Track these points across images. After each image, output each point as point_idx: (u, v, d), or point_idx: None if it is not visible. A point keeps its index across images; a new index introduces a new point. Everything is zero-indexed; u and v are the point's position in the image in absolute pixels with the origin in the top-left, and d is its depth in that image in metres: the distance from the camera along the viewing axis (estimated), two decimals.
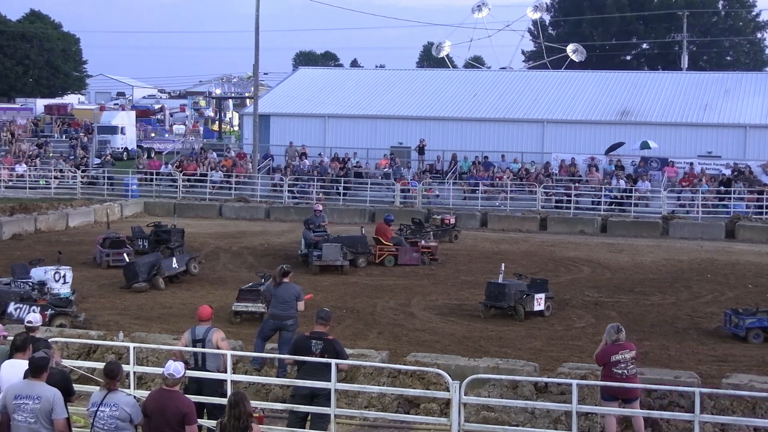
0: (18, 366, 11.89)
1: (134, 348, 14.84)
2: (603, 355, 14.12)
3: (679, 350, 20.69)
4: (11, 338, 12.92)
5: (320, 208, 34.86)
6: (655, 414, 13.91)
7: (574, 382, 13.43)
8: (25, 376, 11.25)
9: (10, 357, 12.29)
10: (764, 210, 44.72)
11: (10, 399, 10.91)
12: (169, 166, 55.92)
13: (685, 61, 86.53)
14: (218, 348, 14.06)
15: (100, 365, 12.52)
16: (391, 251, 32.15)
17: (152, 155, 71.35)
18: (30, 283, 22.63)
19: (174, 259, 28.11)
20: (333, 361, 13.48)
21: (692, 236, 41.27)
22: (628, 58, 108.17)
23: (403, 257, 32.07)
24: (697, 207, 45.33)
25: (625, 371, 13.93)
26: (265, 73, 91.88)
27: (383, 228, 32.69)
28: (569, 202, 46.77)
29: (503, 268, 24.89)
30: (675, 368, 17.27)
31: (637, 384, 13.91)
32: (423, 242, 33.30)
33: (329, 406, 13.54)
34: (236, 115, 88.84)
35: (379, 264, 31.78)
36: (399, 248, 32.26)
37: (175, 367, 11.18)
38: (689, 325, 23.39)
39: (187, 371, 14.20)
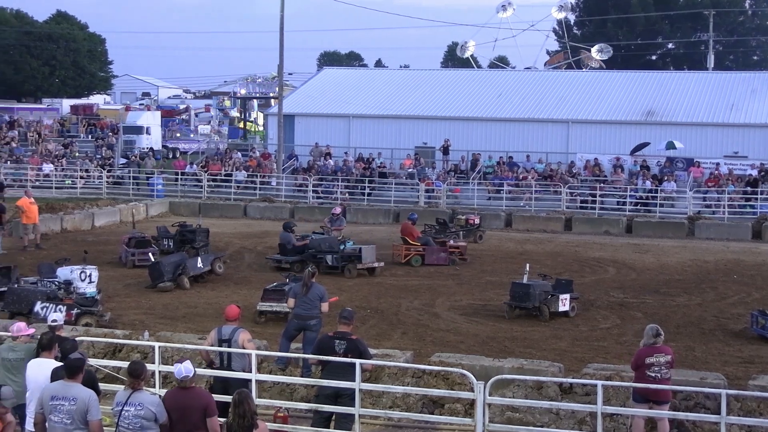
0: (44, 365, 11.96)
1: (159, 347, 14.88)
2: (637, 358, 14.03)
3: (705, 351, 20.58)
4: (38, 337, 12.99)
5: (338, 210, 34.77)
6: (681, 415, 13.84)
7: (599, 383, 13.38)
8: (56, 377, 11.31)
9: (37, 356, 12.37)
10: None
11: (47, 400, 10.98)
12: (194, 166, 56.12)
13: (711, 60, 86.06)
14: (244, 348, 14.08)
15: (126, 364, 12.56)
16: (418, 251, 32.03)
17: (177, 155, 71.71)
18: (56, 283, 22.74)
19: (199, 259, 28.17)
20: (357, 361, 13.48)
21: (718, 237, 41.04)
22: (654, 58, 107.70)
23: (430, 257, 31.85)
24: (723, 207, 45.09)
25: (659, 374, 13.83)
26: (289, 74, 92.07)
27: (409, 228, 32.57)
28: (594, 202, 46.62)
29: (528, 269, 24.84)
30: (701, 369, 17.16)
31: (664, 386, 13.80)
32: (452, 242, 33.13)
33: (354, 406, 13.54)
34: (261, 115, 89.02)
35: (405, 264, 31.75)
36: (426, 248, 32.08)
37: (186, 368, 11.20)
38: (715, 326, 23.24)
39: (213, 371, 14.27)
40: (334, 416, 13.87)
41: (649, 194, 47.22)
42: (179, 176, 53.90)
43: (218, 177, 53.31)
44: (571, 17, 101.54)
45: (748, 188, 46.48)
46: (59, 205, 42.99)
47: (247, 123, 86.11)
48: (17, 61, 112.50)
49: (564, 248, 36.73)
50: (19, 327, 13.32)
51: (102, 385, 12.88)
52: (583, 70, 72.56)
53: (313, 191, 50.14)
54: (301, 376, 16.39)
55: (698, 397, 14.92)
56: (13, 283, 23.92)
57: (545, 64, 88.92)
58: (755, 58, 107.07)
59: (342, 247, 30.02)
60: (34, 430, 11.35)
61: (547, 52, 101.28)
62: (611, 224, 43.03)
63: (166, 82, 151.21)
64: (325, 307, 17.29)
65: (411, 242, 32.20)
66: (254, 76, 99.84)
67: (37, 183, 52.72)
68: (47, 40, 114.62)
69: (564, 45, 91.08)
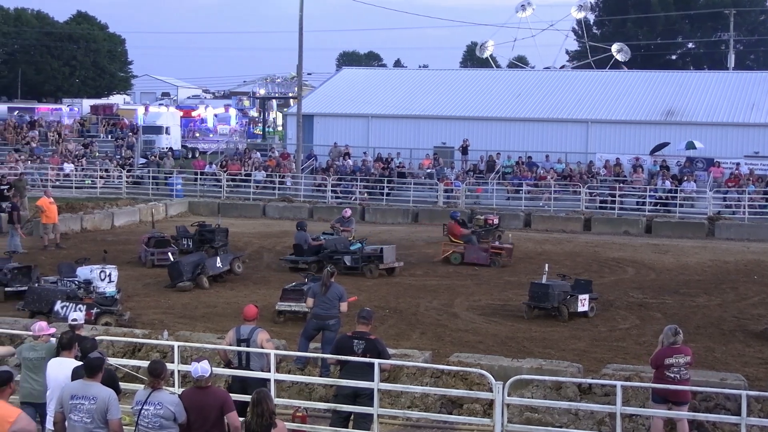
0: (65, 364, 12.01)
1: (178, 347, 14.92)
2: (657, 358, 13.97)
3: (725, 352, 20.48)
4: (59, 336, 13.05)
5: (349, 213, 34.79)
6: (701, 416, 13.79)
7: (619, 383, 13.35)
8: (77, 375, 11.36)
9: (57, 355, 12.43)
10: None
11: (67, 399, 11.02)
12: (214, 166, 56.26)
13: (731, 60, 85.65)
14: (262, 348, 14.09)
15: (145, 364, 12.60)
16: (458, 249, 31.99)
17: (196, 155, 71.94)
18: (76, 282, 22.84)
19: (218, 259, 28.22)
20: (376, 361, 13.48)
21: (738, 237, 40.88)
22: (674, 57, 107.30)
23: (469, 255, 31.69)
24: (744, 208, 44.89)
25: (678, 375, 13.79)
26: (308, 74, 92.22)
27: (452, 226, 32.88)
28: (614, 202, 46.49)
29: (547, 269, 24.79)
30: (721, 370, 17.10)
31: (684, 387, 13.75)
32: (497, 243, 32.74)
33: (372, 405, 13.54)
34: (280, 115, 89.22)
35: (444, 261, 31.83)
36: (466, 246, 31.98)
37: (202, 368, 11.22)
38: (735, 326, 23.14)
39: (232, 370, 14.31)
40: (352, 416, 13.88)
41: (669, 194, 47.06)
42: (198, 176, 54.06)
43: (237, 177, 53.42)
44: (591, 17, 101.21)
45: None
46: (79, 205, 43.13)
47: (266, 125, 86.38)
48: (38, 62, 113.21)
49: (583, 248, 36.64)
50: (41, 326, 13.40)
51: (121, 384, 12.91)
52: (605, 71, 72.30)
53: (332, 191, 50.17)
54: (320, 376, 16.40)
55: (718, 398, 14.86)
56: (33, 282, 24.12)
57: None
58: None
59: (352, 247, 30.04)
60: (54, 429, 11.39)
61: (567, 52, 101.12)
62: (631, 224, 42.90)
63: (186, 82, 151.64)
64: (344, 306, 17.29)
65: (454, 240, 32.20)
66: (273, 76, 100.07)
67: (58, 183, 52.95)
68: (68, 40, 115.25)
69: (583, 45, 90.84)
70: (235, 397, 12.51)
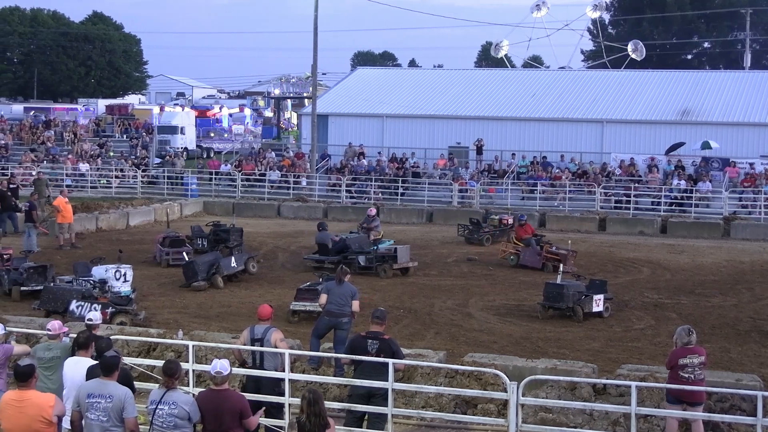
0: (81, 363, 12.05)
1: (193, 346, 14.94)
2: (671, 358, 13.94)
3: (741, 353, 20.43)
4: (73, 335, 13.08)
5: (374, 212, 34.79)
6: (716, 417, 13.73)
7: (633, 383, 13.32)
8: (91, 374, 11.39)
9: (73, 354, 12.47)
10: None
11: (83, 397, 11.07)
12: (228, 165, 56.34)
13: (747, 59, 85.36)
14: (276, 348, 14.09)
15: (160, 363, 12.61)
16: (516, 250, 32.09)
17: (211, 155, 72.06)
18: (91, 282, 22.90)
19: (233, 259, 28.27)
20: (390, 361, 13.48)
21: (754, 237, 40.74)
22: (689, 57, 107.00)
23: (524, 258, 31.73)
24: (760, 208, 44.72)
25: (692, 375, 13.74)
26: (323, 73, 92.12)
27: (519, 228, 33.20)
28: (629, 202, 46.36)
29: (562, 269, 24.74)
30: (736, 371, 17.04)
31: (699, 387, 13.70)
32: (555, 248, 32.02)
33: (386, 405, 13.54)
34: (294, 115, 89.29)
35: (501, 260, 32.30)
36: (524, 249, 31.94)
37: (222, 365, 11.28)
38: (751, 327, 23.06)
39: (246, 370, 14.32)
40: (366, 416, 13.88)
41: (684, 194, 46.88)
42: (213, 176, 54.15)
43: (252, 177, 53.46)
44: (606, 16, 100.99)
45: None
46: (94, 205, 43.27)
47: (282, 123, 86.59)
48: (54, 62, 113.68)
49: (598, 248, 36.56)
50: (58, 325, 13.44)
51: (136, 384, 12.94)
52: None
53: (347, 191, 50.18)
54: (334, 376, 16.41)
55: (734, 398, 14.80)
56: (49, 281, 24.21)
57: None
58: None
59: (374, 247, 30.06)
60: (70, 428, 11.43)
61: (582, 52, 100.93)
62: (646, 224, 42.79)
63: (201, 82, 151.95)
64: (356, 305, 17.29)
65: (517, 242, 32.47)
66: (288, 76, 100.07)
67: (73, 183, 53.07)
68: (83, 40, 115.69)
69: (599, 45, 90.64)
70: (248, 396, 12.52)
